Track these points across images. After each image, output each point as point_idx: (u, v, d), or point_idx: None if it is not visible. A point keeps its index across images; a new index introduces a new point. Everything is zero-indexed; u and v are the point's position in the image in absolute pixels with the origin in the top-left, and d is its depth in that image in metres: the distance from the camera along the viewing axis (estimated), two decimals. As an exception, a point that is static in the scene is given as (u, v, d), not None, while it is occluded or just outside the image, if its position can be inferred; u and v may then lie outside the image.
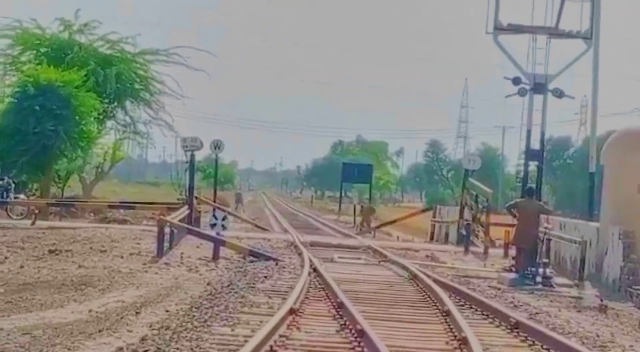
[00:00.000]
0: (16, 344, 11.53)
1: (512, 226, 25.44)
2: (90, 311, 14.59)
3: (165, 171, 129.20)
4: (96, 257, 23.02)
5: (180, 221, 29.01)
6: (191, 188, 34.56)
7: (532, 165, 38.69)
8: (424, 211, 53.88)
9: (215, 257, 24.15)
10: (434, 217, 44.74)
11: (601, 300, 19.80)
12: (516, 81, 37.13)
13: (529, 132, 37.78)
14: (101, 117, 47.48)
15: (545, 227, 23.57)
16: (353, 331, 12.76)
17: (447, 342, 12.88)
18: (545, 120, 37.81)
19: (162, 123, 51.02)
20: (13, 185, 37.80)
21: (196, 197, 36.95)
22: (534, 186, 34.12)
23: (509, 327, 14.15)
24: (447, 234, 40.50)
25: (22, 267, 20.57)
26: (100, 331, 12.53)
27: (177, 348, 11.33)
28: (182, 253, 24.75)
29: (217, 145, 43.14)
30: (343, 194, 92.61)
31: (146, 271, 20.74)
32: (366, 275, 22.03)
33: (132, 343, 11.61)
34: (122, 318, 13.71)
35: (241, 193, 69.56)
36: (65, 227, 32.35)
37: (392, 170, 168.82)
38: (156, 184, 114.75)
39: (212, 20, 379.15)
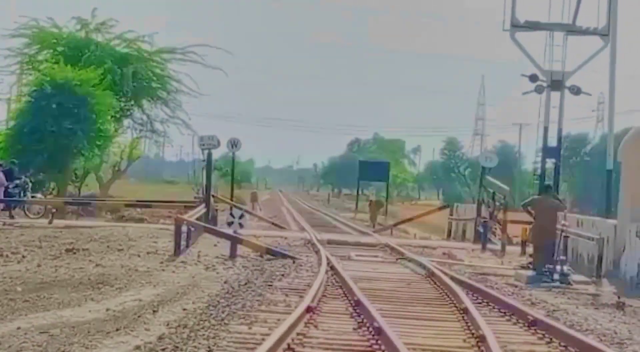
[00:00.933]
0: (34, 343, 11.56)
1: (529, 223, 25.32)
2: (107, 309, 14.61)
3: (182, 170, 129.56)
4: (113, 256, 23.04)
5: (197, 219, 29.06)
6: (208, 186, 34.62)
7: (549, 163, 38.53)
8: (441, 208, 53.78)
9: (233, 255, 24.15)
10: (451, 215, 44.71)
11: (619, 297, 19.73)
12: (533, 78, 37.00)
13: (546, 129, 37.64)
14: (118, 115, 47.66)
15: (563, 225, 23.49)
16: (370, 329, 12.75)
17: (464, 340, 12.87)
18: (563, 117, 37.72)
19: (179, 121, 51.24)
20: (30, 184, 37.78)
21: (213, 196, 37.00)
22: (551, 183, 34.07)
23: (526, 324, 14.13)
24: (464, 232, 40.46)
25: (39, 266, 20.59)
26: (117, 330, 12.55)
27: (195, 346, 11.34)
28: (199, 251, 24.79)
29: (234, 144, 43.12)
30: (360, 192, 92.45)
31: (163, 270, 20.77)
32: (383, 273, 22.04)
33: (149, 342, 11.63)
34: (139, 317, 13.74)
35: (256, 192, 69.79)
36: (83, 225, 32.45)
37: (409, 168, 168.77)
38: (173, 182, 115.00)
39: (229, 18, 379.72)
